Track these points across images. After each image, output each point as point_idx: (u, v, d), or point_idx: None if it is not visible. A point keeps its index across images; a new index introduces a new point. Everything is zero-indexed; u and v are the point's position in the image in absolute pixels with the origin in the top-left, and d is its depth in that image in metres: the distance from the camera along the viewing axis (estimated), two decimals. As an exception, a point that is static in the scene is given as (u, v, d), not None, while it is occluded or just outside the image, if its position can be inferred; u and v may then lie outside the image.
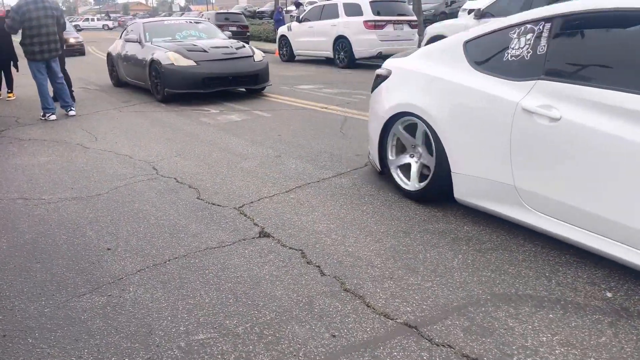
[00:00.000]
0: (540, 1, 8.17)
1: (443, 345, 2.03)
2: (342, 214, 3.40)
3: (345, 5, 12.53)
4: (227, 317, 2.28)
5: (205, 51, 8.00)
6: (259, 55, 8.36)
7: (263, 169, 4.44)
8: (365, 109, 7.02)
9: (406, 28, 12.36)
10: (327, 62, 13.26)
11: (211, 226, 3.26)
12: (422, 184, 3.45)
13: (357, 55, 12.12)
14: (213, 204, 3.65)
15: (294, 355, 2.02)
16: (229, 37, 9.64)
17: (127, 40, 9.21)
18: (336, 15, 12.70)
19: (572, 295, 2.34)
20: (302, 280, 2.57)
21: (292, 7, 28.48)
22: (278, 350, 2.05)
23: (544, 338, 2.05)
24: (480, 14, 9.12)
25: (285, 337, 2.12)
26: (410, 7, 13.96)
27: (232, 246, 2.97)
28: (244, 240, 3.05)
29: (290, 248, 2.92)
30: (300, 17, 14.34)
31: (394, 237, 3.02)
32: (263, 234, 3.12)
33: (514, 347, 2.00)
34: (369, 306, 2.32)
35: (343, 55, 12.50)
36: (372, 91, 3.98)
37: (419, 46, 12.14)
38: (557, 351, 1.97)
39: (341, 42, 12.48)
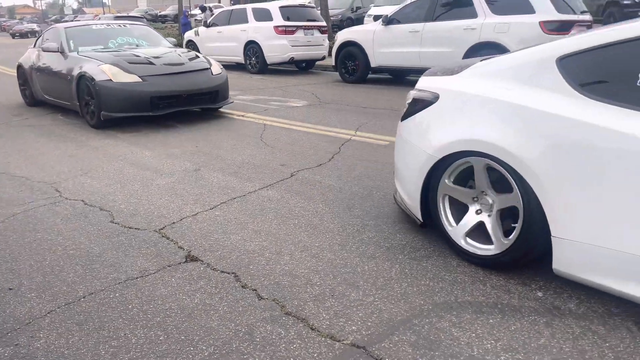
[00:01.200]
0: (441, 8, 8.60)
1: (394, 364, 1.97)
2: (274, 229, 3.26)
3: (255, 10, 12.37)
4: (159, 357, 2.05)
5: (151, 63, 6.52)
6: (216, 68, 7.11)
7: (182, 185, 4.17)
8: (285, 116, 6.93)
9: (316, 33, 12.46)
10: (238, 67, 12.99)
11: (130, 253, 2.97)
12: (507, 241, 2.55)
13: (269, 60, 12.00)
14: (130, 228, 3.34)
15: (240, 394, 1.85)
16: (175, 45, 8.21)
17: (45, 50, 7.41)
18: (245, 20, 12.49)
19: (507, 298, 2.40)
20: (239, 306, 2.40)
21: (197, 11, 27.69)
22: (221, 390, 1.87)
23: (489, 345, 2.07)
24: (387, 20, 9.40)
25: (228, 374, 1.95)
26: (318, 12, 14.09)
27: (157, 274, 2.72)
28: (169, 266, 2.81)
29: (221, 272, 2.73)
30: (208, 21, 13.95)
31: (329, 250, 2.94)
32: (190, 258, 2.89)
33: (462, 358, 1.99)
34: (313, 329, 2.21)
35: (255, 60, 12.33)
36: (403, 119, 3.12)
37: (329, 52, 12.30)
38: (502, 357, 1.99)
39: (252, 48, 12.30)
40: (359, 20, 20.20)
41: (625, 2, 13.97)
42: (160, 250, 3.00)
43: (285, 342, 2.13)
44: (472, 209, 2.75)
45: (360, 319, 2.27)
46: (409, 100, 3.08)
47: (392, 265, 2.75)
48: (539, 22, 7.45)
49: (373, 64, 9.76)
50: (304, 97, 8.59)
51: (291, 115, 6.99)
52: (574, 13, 7.85)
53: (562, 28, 7.44)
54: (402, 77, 10.47)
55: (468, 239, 2.72)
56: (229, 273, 2.71)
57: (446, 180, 2.76)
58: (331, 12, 19.17)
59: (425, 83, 3.03)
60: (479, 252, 2.67)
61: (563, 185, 2.21)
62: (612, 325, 2.17)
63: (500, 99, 2.50)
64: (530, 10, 7.58)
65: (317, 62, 13.17)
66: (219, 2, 39.31)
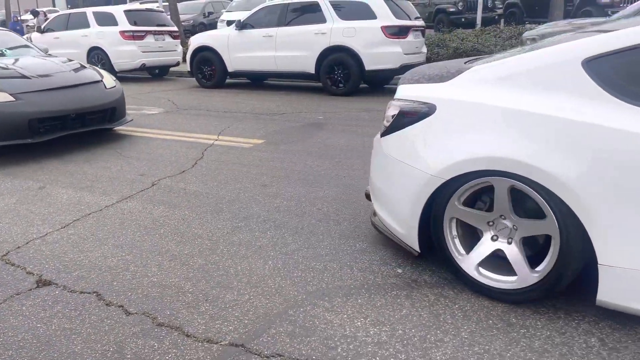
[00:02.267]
0: (292, 13, 8.90)
1: (273, 356, 2.01)
2: (138, 242, 3.09)
3: (96, 14, 11.52)
4: (14, 395, 1.84)
5: (24, 77, 5.22)
6: (109, 80, 5.93)
7: (25, 205, 3.74)
8: (141, 124, 6.57)
9: (168, 39, 12.02)
10: (82, 76, 11.94)
11: (-34, 286, 2.59)
12: (537, 273, 2.23)
13: (117, 67, 11.26)
14: (-37, 258, 2.91)
15: (113, 415, 1.74)
16: (46, 53, 6.81)
17: None
18: (87, 25, 11.57)
19: (372, 278, 2.60)
20: (105, 326, 2.24)
21: (29, 16, 24.87)
22: (91, 416, 1.74)
23: (359, 323, 2.22)
24: (241, 25, 9.44)
25: (98, 398, 1.82)
26: (168, 17, 13.60)
27: (4, 304, 2.41)
28: (17, 294, 2.51)
29: (81, 292, 2.52)
30: (42, 26, 12.62)
31: (200, 256, 2.88)
32: (42, 283, 2.61)
33: (336, 339, 2.11)
34: (188, 336, 2.15)
35: (100, 67, 11.46)
36: (385, 134, 2.68)
37: (184, 57, 11.96)
38: (371, 332, 2.15)
39: (97, 54, 11.44)
40: (212, 26, 19.92)
41: (451, 9, 15.81)
42: (6, 279, 2.66)
43: (159, 353, 2.04)
44: (488, 235, 2.38)
45: (236, 318, 2.27)
46: (394, 112, 2.64)
47: (265, 262, 2.79)
48: (381, 27, 8.10)
49: (230, 69, 9.72)
50: (160, 105, 8.24)
51: (147, 124, 6.65)
52: (409, 19, 8.68)
53: (400, 32, 8.19)
54: (260, 81, 10.59)
55: (481, 269, 2.39)
56: (89, 293, 2.51)
57: (455, 203, 2.38)
58: (182, 17, 18.63)
59: (411, 92, 2.59)
60: (497, 286, 2.33)
61: (613, 205, 1.93)
62: (459, 289, 2.47)
63: (525, 110, 2.14)
64: (372, 16, 8.21)
65: (172, 69, 12.71)
66: (54, 5, 35.79)
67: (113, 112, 5.77)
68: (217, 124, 6.49)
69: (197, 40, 10.13)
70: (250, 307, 2.36)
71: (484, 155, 2.21)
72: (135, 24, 11.28)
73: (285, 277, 2.63)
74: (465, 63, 2.68)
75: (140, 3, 20.47)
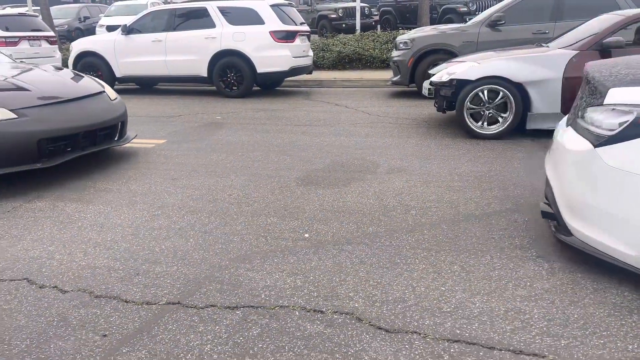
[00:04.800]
0: (180, 18, 9.03)
1: (207, 307, 2.36)
2: (57, 235, 3.21)
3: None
4: (-32, 365, 1.99)
5: (22, 89, 4.34)
6: (111, 91, 5.15)
7: None
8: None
9: (45, 44, 11.41)
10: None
11: None
12: None
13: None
14: None
15: (72, 366, 1.98)
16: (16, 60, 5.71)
17: None
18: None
19: (283, 243, 3.03)
20: (44, 303, 2.42)
21: None
22: (50, 370, 1.96)
23: (277, 275, 2.64)
24: (127, 30, 9.34)
25: (53, 356, 2.04)
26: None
27: None
28: (-59, 289, 2.56)
29: (10, 280, 2.64)
30: None
31: (124, 241, 3.10)
32: (-35, 277, 2.68)
33: (259, 289, 2.51)
34: (127, 302, 2.42)
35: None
36: (607, 143, 2.36)
37: (64, 63, 11.42)
38: (288, 280, 2.58)
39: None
40: (89, 31, 19.01)
41: (332, 16, 16.82)
42: None
43: (103, 317, 2.30)
44: None
45: (169, 284, 2.58)
46: (621, 120, 2.37)
47: (186, 240, 3.10)
48: (269, 32, 8.57)
49: (118, 74, 9.56)
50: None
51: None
52: (295, 24, 9.27)
53: (288, 36, 8.73)
54: (150, 86, 10.52)
55: None
56: (19, 280, 2.64)
57: None
58: (55, 22, 17.53)
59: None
60: None
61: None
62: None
63: None
64: (260, 21, 8.65)
65: (51, 76, 12.02)
66: None
67: (122, 127, 5.05)
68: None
69: (80, 45, 9.80)
70: (179, 275, 2.67)
71: None
72: (7, 29, 10.57)
73: (208, 249, 2.97)
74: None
75: (11, 8, 18.88)
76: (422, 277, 2.58)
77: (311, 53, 9.89)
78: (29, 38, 10.98)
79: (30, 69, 5.11)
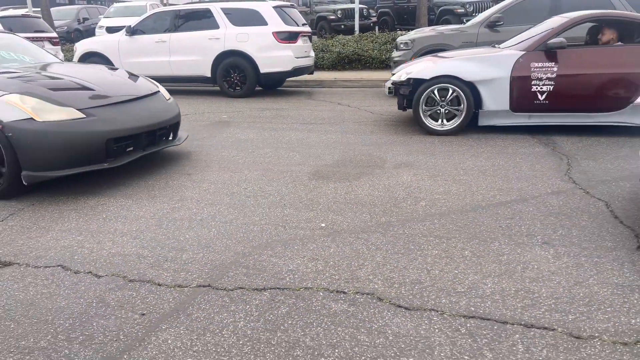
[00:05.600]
0: (184, 19, 9.18)
1: (236, 289, 2.52)
2: (83, 226, 3.36)
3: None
4: (19, 339, 2.13)
5: (85, 88, 4.32)
6: (164, 90, 5.18)
7: (-53, 207, 3.75)
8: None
9: (47, 45, 11.51)
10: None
11: None
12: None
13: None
14: None
15: (114, 340, 2.13)
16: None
17: None
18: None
19: (301, 232, 3.18)
20: (81, 287, 2.56)
21: None
22: (94, 347, 2.11)
23: (299, 261, 2.79)
24: (132, 31, 9.48)
25: (97, 333, 2.18)
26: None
27: (-30, 284, 2.60)
28: (-19, 275, 2.70)
29: (45, 267, 2.78)
30: None
31: (148, 231, 3.25)
32: (2, 264, 2.82)
33: (283, 273, 2.66)
34: (160, 285, 2.57)
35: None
36: None
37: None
38: (310, 265, 2.74)
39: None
40: (88, 32, 19.12)
41: (331, 17, 16.99)
42: (-40, 266, 2.81)
43: (139, 298, 2.44)
44: None
45: (197, 269, 2.73)
46: None
47: (209, 230, 3.25)
48: (272, 33, 8.73)
49: (123, 75, 9.68)
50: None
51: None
52: (297, 25, 9.44)
53: (290, 37, 8.89)
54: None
55: None
56: (54, 266, 2.78)
57: None
58: (55, 23, 17.63)
59: None
60: None
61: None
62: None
63: None
64: (263, 22, 8.81)
65: (53, 77, 12.13)
66: None
67: (177, 127, 5.06)
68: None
69: (84, 46, 9.92)
70: (206, 262, 2.82)
71: None
72: (11, 30, 10.65)
73: (230, 238, 3.12)
74: None
75: (14, 9, 18.92)
76: (436, 262, 2.75)
77: (313, 53, 10.06)
78: (32, 39, 11.07)
79: (89, 68, 5.17)
